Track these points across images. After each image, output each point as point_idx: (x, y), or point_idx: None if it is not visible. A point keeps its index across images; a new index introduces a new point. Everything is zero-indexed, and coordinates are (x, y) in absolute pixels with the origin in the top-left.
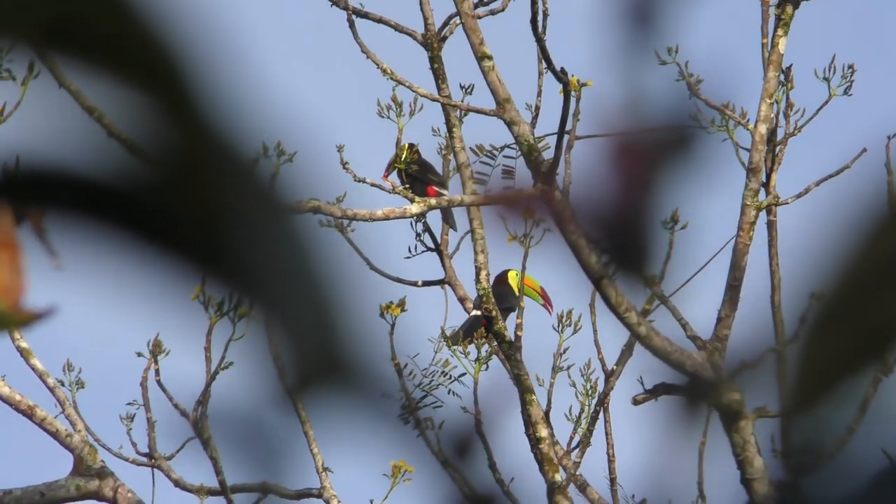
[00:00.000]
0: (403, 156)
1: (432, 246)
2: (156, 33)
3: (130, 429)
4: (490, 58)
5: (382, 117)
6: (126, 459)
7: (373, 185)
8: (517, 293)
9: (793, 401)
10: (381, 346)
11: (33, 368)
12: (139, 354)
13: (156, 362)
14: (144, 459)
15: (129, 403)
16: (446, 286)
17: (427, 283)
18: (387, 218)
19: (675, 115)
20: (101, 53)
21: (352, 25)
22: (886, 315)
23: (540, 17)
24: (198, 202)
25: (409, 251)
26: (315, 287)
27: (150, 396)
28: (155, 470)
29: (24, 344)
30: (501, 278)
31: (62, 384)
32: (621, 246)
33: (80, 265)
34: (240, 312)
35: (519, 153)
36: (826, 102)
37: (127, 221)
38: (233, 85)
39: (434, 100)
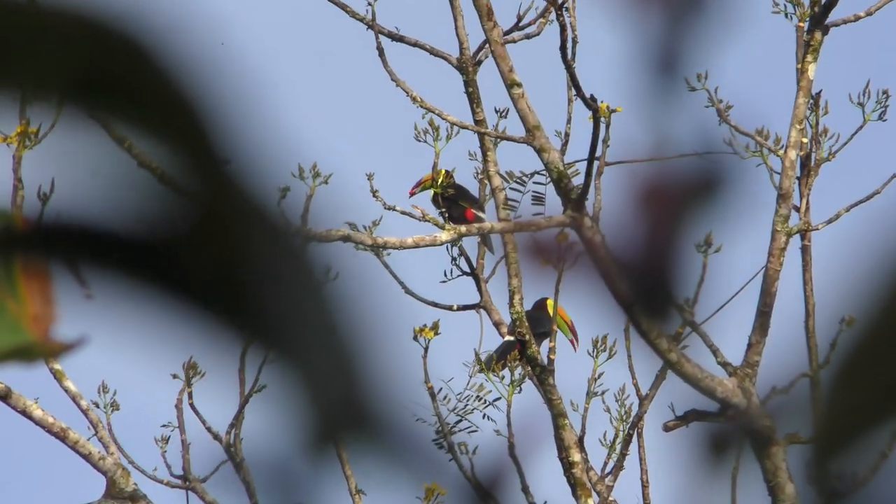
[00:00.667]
0: (440, 181)
1: (468, 270)
2: (179, 84)
3: (165, 451)
4: (520, 85)
5: (419, 141)
6: (160, 482)
7: (403, 213)
8: (551, 317)
9: (821, 440)
10: (405, 381)
11: (66, 391)
12: (174, 376)
13: (189, 385)
14: (179, 482)
15: (163, 426)
16: (481, 310)
17: (462, 308)
18: (417, 246)
19: (703, 150)
20: (125, 105)
21: (381, 53)
22: None
23: (569, 44)
24: (220, 252)
25: (445, 275)
26: (338, 337)
27: (185, 419)
28: (189, 492)
29: (57, 366)
30: (539, 304)
31: (97, 406)
32: (646, 291)
33: (110, 299)
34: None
35: (549, 180)
36: (860, 128)
37: (149, 270)
38: (255, 132)
39: (463, 127)
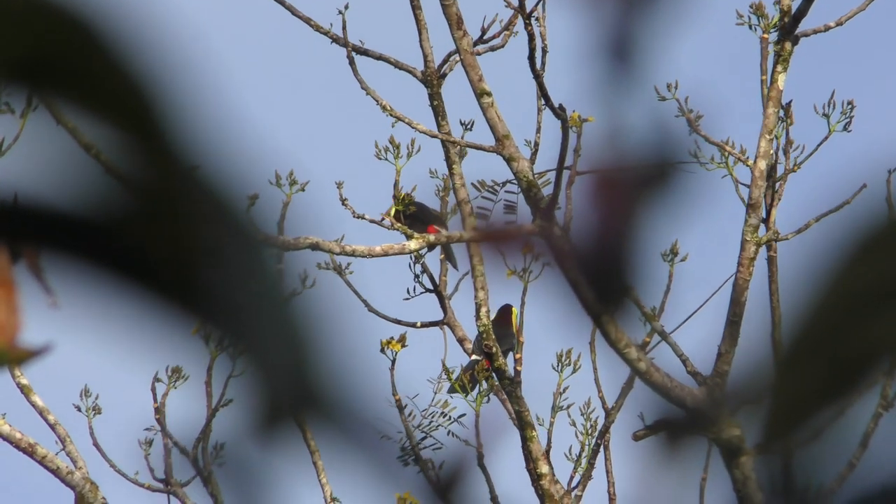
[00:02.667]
0: (401, 199)
1: (431, 287)
2: (129, 67)
3: (148, 454)
4: (489, 94)
5: (380, 159)
6: (142, 486)
7: (372, 221)
8: (515, 329)
9: (765, 435)
10: (367, 385)
11: (34, 405)
12: (158, 380)
13: (175, 387)
14: (160, 486)
15: (146, 429)
16: (445, 327)
17: (426, 325)
18: (385, 254)
19: (658, 147)
20: (72, 89)
21: (352, 62)
22: (858, 347)
23: (539, 54)
24: (172, 237)
25: (408, 292)
26: (289, 321)
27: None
28: (170, 496)
29: (24, 381)
30: (504, 315)
31: (78, 410)
32: (600, 281)
33: (76, 302)
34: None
35: (519, 189)
36: (826, 138)
37: (103, 257)
38: (210, 119)
39: (433, 136)
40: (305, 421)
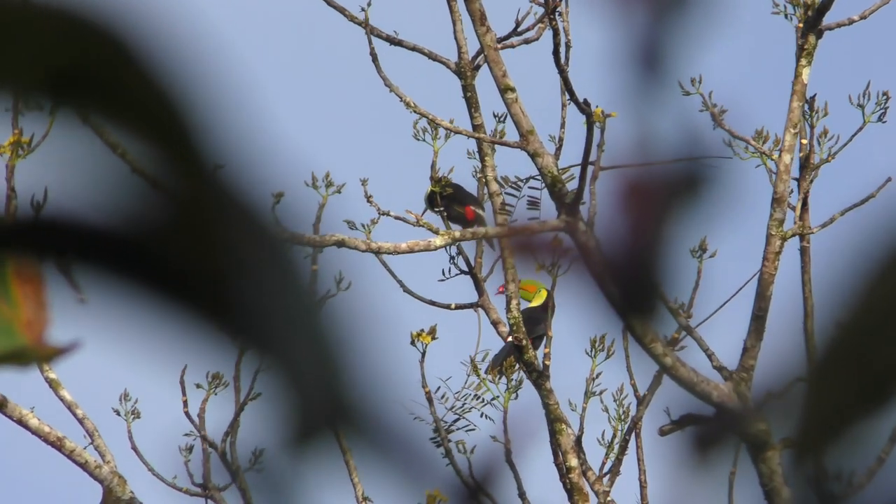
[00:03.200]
0: (436, 181)
1: (466, 269)
2: (158, 79)
3: (189, 460)
4: (513, 90)
5: (418, 140)
6: (180, 490)
7: (397, 218)
8: (548, 314)
9: (798, 446)
10: (400, 382)
11: (62, 400)
12: (198, 386)
13: (215, 393)
14: (198, 490)
15: (185, 434)
16: (479, 309)
17: (460, 307)
18: (411, 251)
19: (688, 150)
20: (104, 101)
21: (375, 59)
22: (891, 359)
23: (563, 49)
24: (201, 249)
25: (443, 274)
26: (320, 334)
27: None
28: (208, 500)
29: (53, 375)
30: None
31: (118, 414)
32: (629, 287)
33: (104, 303)
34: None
35: (543, 185)
36: (860, 129)
37: (134, 268)
38: (240, 129)
39: (457, 132)
40: (337, 434)
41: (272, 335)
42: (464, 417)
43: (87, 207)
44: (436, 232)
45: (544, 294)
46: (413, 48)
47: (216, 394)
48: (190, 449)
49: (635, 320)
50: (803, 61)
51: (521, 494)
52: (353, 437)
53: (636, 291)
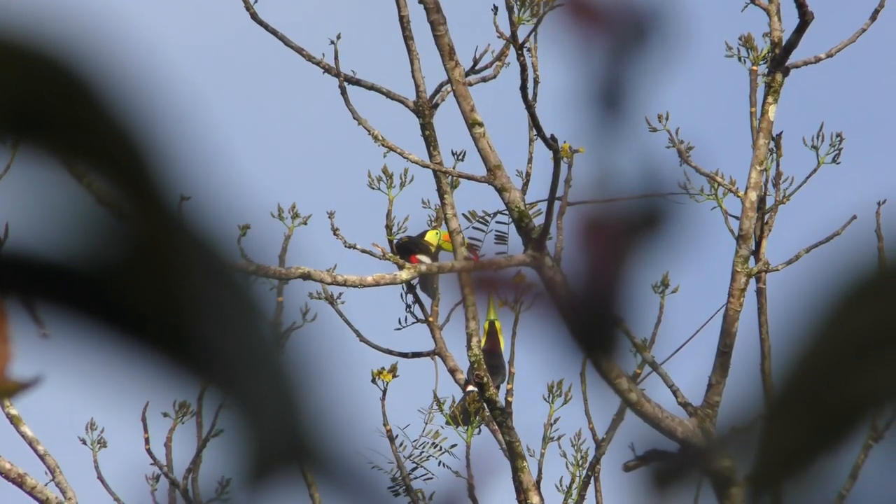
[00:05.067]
0: (391, 228)
1: (422, 317)
2: (116, 116)
3: (155, 489)
4: (481, 124)
5: (373, 189)
6: None
7: (363, 251)
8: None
9: (756, 481)
10: (358, 426)
11: (23, 436)
12: (165, 415)
13: (182, 422)
14: None
15: (151, 464)
16: (436, 357)
17: (417, 355)
18: (377, 284)
19: (648, 188)
20: (60, 137)
21: (344, 92)
22: (846, 397)
23: (530, 84)
24: (159, 285)
25: (399, 323)
26: (280, 371)
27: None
28: None
29: (13, 411)
30: (492, 336)
31: (84, 443)
32: (588, 324)
33: (66, 338)
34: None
35: (510, 220)
36: (815, 170)
37: (92, 305)
38: (198, 165)
39: (425, 166)
40: (296, 471)
41: (233, 371)
42: (422, 466)
43: (47, 243)
44: (402, 266)
45: (488, 330)
46: (371, 87)
47: (183, 423)
48: (157, 478)
49: (596, 355)
50: (770, 98)
51: None
52: (313, 473)
53: (596, 326)
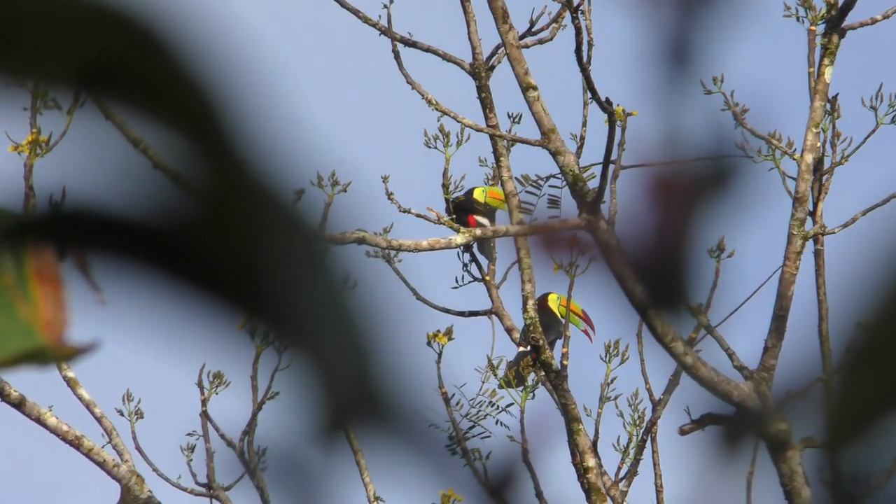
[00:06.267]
0: (446, 189)
1: (479, 276)
2: (192, 72)
3: (191, 459)
4: (535, 88)
5: (429, 147)
6: (185, 489)
7: (418, 215)
8: (560, 319)
9: (831, 435)
10: (420, 384)
11: (80, 398)
12: (199, 385)
13: (216, 392)
14: (203, 490)
15: (188, 434)
16: (493, 316)
17: (474, 314)
18: (432, 248)
19: (715, 148)
20: (136, 93)
21: (397, 56)
22: None
23: (585, 48)
24: (233, 242)
25: (456, 281)
26: (352, 325)
27: (209, 427)
28: (213, 500)
29: (71, 374)
30: (543, 303)
31: (121, 414)
32: (657, 283)
33: (125, 301)
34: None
35: (564, 183)
36: (873, 131)
37: (163, 261)
38: (270, 123)
39: (479, 130)
40: (366, 426)
41: (304, 327)
42: (479, 424)
43: (111, 200)
44: (457, 230)
45: (554, 300)
46: (428, 49)
47: (217, 393)
48: (192, 448)
49: (661, 317)
50: (826, 61)
51: (539, 494)
52: (380, 428)
53: (663, 288)
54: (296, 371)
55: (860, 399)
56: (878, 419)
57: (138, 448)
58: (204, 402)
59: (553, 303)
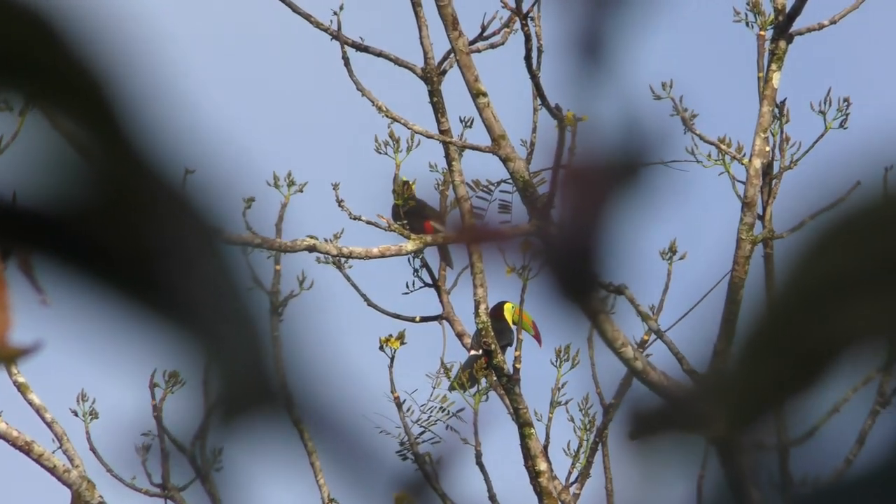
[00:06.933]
0: (401, 192)
1: (430, 282)
2: (89, 63)
3: (146, 460)
4: (485, 94)
5: (380, 153)
6: (139, 490)
7: (368, 222)
8: (512, 326)
9: (728, 426)
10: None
11: (30, 403)
12: (155, 385)
13: (172, 392)
14: (157, 490)
15: (143, 434)
16: (444, 322)
17: (425, 319)
18: (382, 255)
19: (627, 139)
20: (31, 82)
21: (347, 63)
22: (821, 337)
23: (535, 54)
24: (128, 229)
25: (407, 287)
26: (246, 313)
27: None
28: (168, 501)
29: (21, 379)
30: (497, 311)
31: (75, 414)
32: (570, 272)
33: (67, 301)
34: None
35: (515, 189)
36: (822, 135)
37: (65, 251)
38: (169, 115)
39: (429, 136)
40: (264, 414)
41: (199, 314)
42: (429, 430)
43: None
44: (407, 237)
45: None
46: (379, 54)
47: (172, 392)
48: (147, 448)
49: (579, 303)
50: (773, 66)
51: (492, 497)
52: (279, 417)
53: (577, 275)
54: (191, 359)
55: (762, 384)
56: (774, 407)
57: (93, 449)
58: (157, 404)
59: (508, 312)
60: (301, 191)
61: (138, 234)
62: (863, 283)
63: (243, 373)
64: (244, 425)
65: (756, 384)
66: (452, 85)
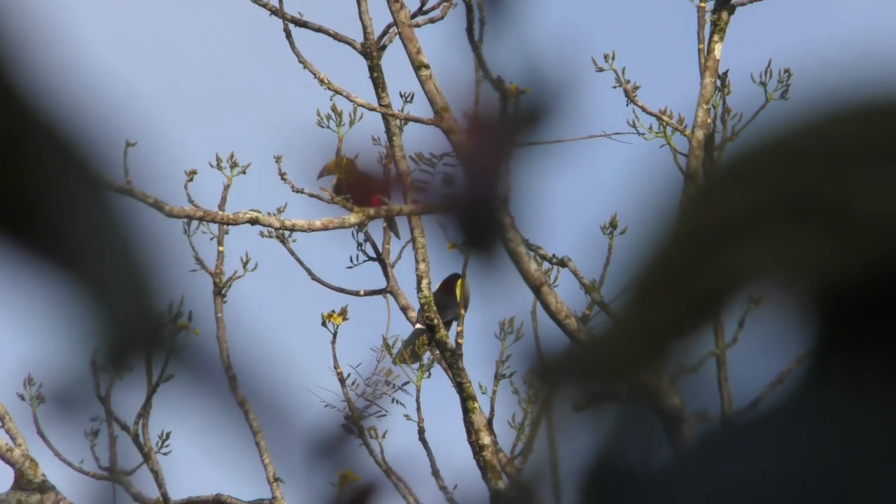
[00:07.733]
0: (343, 167)
1: (374, 255)
2: None
3: (95, 444)
4: (427, 67)
5: (322, 127)
6: (87, 474)
7: (311, 195)
8: (459, 300)
9: (617, 366)
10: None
11: None
12: (92, 366)
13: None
14: (105, 474)
15: (92, 419)
16: (388, 295)
17: (369, 293)
18: (325, 228)
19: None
20: None
21: (289, 36)
22: (706, 282)
23: (476, 26)
24: (10, 176)
25: (351, 261)
26: (129, 254)
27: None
28: (115, 484)
29: None
30: (449, 285)
31: (22, 398)
32: (471, 222)
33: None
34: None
35: (458, 162)
36: (763, 106)
37: None
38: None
39: (372, 109)
40: (149, 355)
41: (81, 256)
42: (375, 404)
43: None
44: (350, 210)
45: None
46: (319, 29)
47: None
48: (96, 433)
49: (480, 251)
50: (715, 37)
51: (435, 472)
52: (164, 359)
53: (477, 228)
54: (76, 302)
55: (643, 334)
56: (663, 349)
57: (40, 433)
58: (108, 387)
59: (459, 286)
60: (244, 172)
61: (20, 179)
62: (754, 223)
63: (128, 314)
64: (129, 367)
65: (647, 326)
66: (392, 60)
